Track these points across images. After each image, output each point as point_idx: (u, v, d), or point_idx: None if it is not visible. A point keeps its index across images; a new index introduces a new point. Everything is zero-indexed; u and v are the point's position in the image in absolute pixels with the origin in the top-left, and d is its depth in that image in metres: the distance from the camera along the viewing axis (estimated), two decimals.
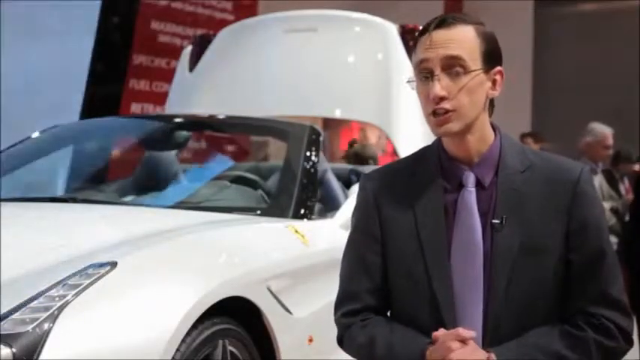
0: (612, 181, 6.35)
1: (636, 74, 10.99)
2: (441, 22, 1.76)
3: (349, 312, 1.87)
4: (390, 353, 1.77)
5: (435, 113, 1.74)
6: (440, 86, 1.72)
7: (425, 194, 1.81)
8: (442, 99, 1.72)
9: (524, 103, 11.44)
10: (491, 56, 1.77)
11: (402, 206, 1.83)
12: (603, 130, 5.99)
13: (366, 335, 1.82)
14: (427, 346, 1.72)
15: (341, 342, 1.92)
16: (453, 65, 1.73)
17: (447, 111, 1.73)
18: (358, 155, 6.51)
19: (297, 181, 3.29)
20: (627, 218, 5.92)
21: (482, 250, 1.76)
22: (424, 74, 1.75)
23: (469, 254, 1.76)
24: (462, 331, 1.68)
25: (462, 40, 1.74)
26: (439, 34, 1.74)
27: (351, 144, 6.42)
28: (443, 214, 1.79)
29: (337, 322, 1.91)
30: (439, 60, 1.73)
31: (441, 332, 1.71)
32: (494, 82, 1.78)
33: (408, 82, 1.80)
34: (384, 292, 1.86)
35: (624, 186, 7.09)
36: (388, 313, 1.89)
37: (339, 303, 1.91)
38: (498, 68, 1.79)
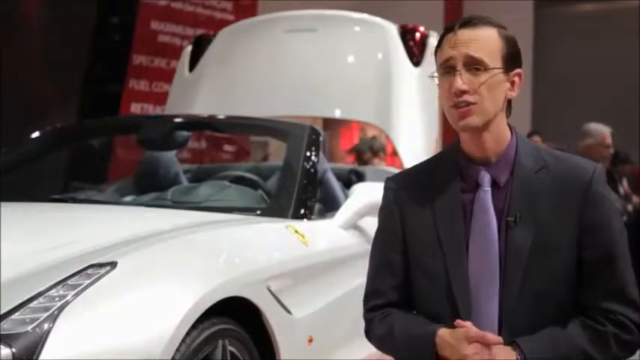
0: (611, 181, 6.36)
1: (636, 74, 11.00)
2: (466, 22, 1.85)
3: (373, 307, 1.97)
4: (406, 335, 1.87)
5: (456, 106, 1.82)
6: (461, 80, 1.80)
7: (443, 194, 1.90)
8: (463, 92, 1.80)
9: (524, 103, 11.45)
10: (512, 59, 1.85)
11: (422, 206, 1.91)
12: (602, 130, 5.98)
13: (385, 325, 1.92)
14: (438, 327, 1.81)
15: (368, 335, 2.01)
16: (473, 63, 1.81)
17: (468, 104, 1.80)
18: (371, 147, 6.51)
19: (297, 181, 3.29)
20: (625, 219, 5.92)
21: (498, 247, 1.83)
22: (447, 69, 1.83)
23: (485, 251, 1.83)
24: (490, 337, 1.76)
25: (485, 40, 1.83)
26: (464, 34, 1.83)
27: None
28: (461, 214, 1.87)
29: (363, 317, 2.01)
30: (462, 58, 1.81)
31: (466, 324, 1.78)
32: (512, 83, 1.86)
33: (430, 76, 1.88)
34: (406, 289, 1.94)
35: (623, 187, 7.09)
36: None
37: (365, 300, 2.00)
38: (517, 71, 1.87)
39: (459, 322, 1.79)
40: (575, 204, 1.83)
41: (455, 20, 1.88)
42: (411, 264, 1.92)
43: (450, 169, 1.91)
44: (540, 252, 1.81)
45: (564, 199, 1.83)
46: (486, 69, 1.80)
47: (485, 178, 1.86)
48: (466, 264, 1.84)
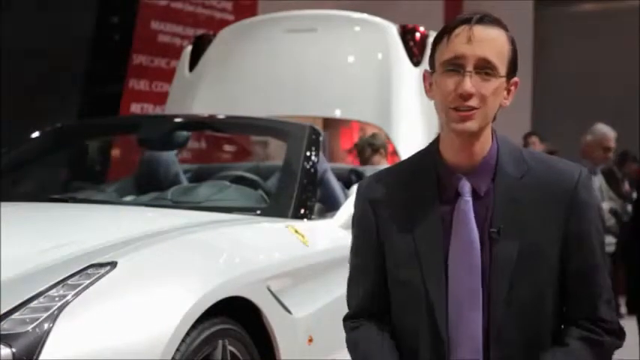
0: (612, 181, 6.33)
1: (636, 74, 11.00)
2: (482, 19, 1.74)
3: (346, 317, 1.94)
4: None
5: (456, 109, 1.72)
6: (470, 83, 1.70)
7: (421, 205, 1.81)
8: (470, 96, 1.70)
9: (524, 103, 11.45)
10: (513, 66, 1.77)
11: (399, 218, 1.82)
12: (604, 131, 5.90)
13: (352, 341, 1.89)
14: None
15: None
16: (484, 67, 1.71)
17: (471, 108, 1.71)
18: (371, 144, 6.49)
19: (297, 181, 3.29)
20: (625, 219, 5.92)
21: (480, 258, 1.76)
22: (453, 67, 1.72)
23: (466, 263, 1.76)
24: None
25: (496, 42, 1.73)
26: (479, 30, 1.72)
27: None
28: (440, 225, 1.79)
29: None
30: (475, 59, 1.71)
31: None
32: (508, 91, 1.78)
33: (426, 73, 1.80)
34: (382, 296, 1.87)
35: (624, 187, 7.07)
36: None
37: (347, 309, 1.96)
38: (516, 79, 1.79)
39: None
40: (561, 213, 1.76)
41: (466, 14, 1.76)
42: (388, 275, 1.84)
43: (428, 177, 1.81)
44: (526, 263, 1.74)
45: (549, 207, 1.76)
46: (497, 76, 1.72)
47: (466, 187, 1.77)
48: (444, 276, 1.76)
